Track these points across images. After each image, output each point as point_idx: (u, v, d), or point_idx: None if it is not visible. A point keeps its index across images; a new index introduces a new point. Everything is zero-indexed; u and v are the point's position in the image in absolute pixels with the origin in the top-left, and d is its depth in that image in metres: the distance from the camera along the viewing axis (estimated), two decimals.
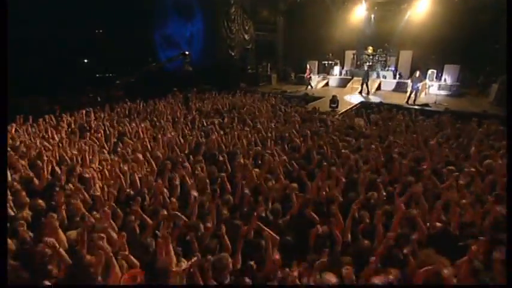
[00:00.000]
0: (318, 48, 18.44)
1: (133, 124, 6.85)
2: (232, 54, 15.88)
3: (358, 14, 17.60)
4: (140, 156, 4.76)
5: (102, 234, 2.74)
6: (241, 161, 4.57)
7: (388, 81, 16.17)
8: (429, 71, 15.24)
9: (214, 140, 5.60)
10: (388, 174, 4.37)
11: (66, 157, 4.87)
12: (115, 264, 2.56)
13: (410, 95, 12.47)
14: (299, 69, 18.87)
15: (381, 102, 11.78)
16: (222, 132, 6.28)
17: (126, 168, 4.21)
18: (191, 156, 5.13)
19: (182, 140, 5.81)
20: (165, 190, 3.85)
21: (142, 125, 6.71)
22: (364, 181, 4.00)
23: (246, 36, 16.82)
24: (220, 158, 4.96)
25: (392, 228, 3.12)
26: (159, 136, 5.79)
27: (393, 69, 16.71)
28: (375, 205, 3.59)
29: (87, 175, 4.00)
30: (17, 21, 7.33)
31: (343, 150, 5.21)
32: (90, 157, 4.81)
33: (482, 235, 2.91)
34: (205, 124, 7.31)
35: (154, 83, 12.62)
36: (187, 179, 4.04)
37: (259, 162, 5.02)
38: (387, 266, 2.69)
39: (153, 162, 4.65)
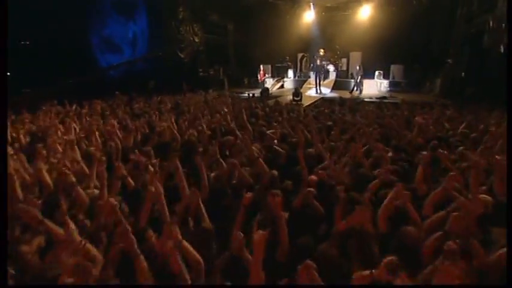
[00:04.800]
0: (271, 52, 18.31)
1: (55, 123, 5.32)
2: (182, 56, 14.73)
3: (308, 18, 17.96)
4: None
5: None
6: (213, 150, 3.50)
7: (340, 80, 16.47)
8: (376, 72, 15.88)
9: (166, 129, 4.43)
10: None
11: None
12: None
13: (353, 87, 13.79)
14: (252, 74, 18.57)
15: (340, 97, 11.64)
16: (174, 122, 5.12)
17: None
18: (136, 151, 3.92)
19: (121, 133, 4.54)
20: None
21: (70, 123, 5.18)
22: None
23: (196, 39, 15.84)
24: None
25: None
26: (94, 129, 4.45)
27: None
28: None
29: None
30: None
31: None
32: None
33: None
34: (154, 119, 6.05)
35: (94, 89, 10.87)
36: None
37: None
38: None
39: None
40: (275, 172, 3.24)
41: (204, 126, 4.43)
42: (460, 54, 12.19)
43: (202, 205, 2.33)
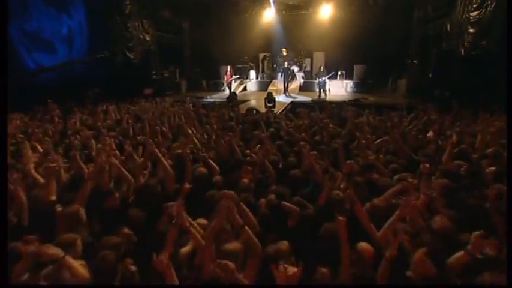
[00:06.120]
0: (230, 52, 17.15)
1: None
2: (131, 57, 12.80)
3: (268, 17, 17.19)
4: None
5: None
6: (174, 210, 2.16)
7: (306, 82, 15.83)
8: (339, 72, 15.53)
9: (111, 165, 2.96)
10: None
11: None
12: None
13: (320, 91, 13.02)
14: (211, 75, 17.27)
15: (311, 100, 10.84)
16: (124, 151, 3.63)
17: None
18: (57, 207, 2.47)
19: (40, 177, 2.98)
20: None
21: None
22: None
23: (147, 37, 13.96)
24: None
25: None
26: None
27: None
28: None
29: None
30: None
31: None
32: None
33: None
34: (93, 146, 4.47)
35: (17, 98, 8.61)
36: None
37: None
38: None
39: None
40: (284, 245, 2.06)
41: (167, 166, 3.01)
42: (426, 55, 12.13)
43: None
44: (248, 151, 4.21)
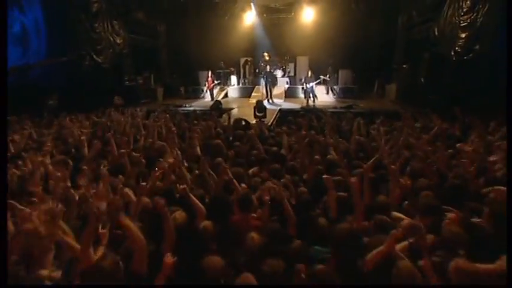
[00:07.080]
0: (210, 57, 16.17)
1: None
2: (99, 60, 11.43)
3: (249, 20, 16.43)
4: None
5: None
6: None
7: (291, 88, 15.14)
8: (321, 77, 14.94)
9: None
10: None
11: None
12: None
13: (307, 97, 12.29)
14: (190, 81, 16.20)
15: (301, 107, 10.04)
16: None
17: None
18: None
19: None
20: None
21: None
22: None
23: (118, 39, 12.65)
24: None
25: None
26: None
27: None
28: None
29: None
30: None
31: None
32: None
33: None
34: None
35: None
36: None
37: None
38: None
39: None
40: None
41: (137, 234, 1.93)
42: (416, 60, 11.77)
43: None
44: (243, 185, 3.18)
